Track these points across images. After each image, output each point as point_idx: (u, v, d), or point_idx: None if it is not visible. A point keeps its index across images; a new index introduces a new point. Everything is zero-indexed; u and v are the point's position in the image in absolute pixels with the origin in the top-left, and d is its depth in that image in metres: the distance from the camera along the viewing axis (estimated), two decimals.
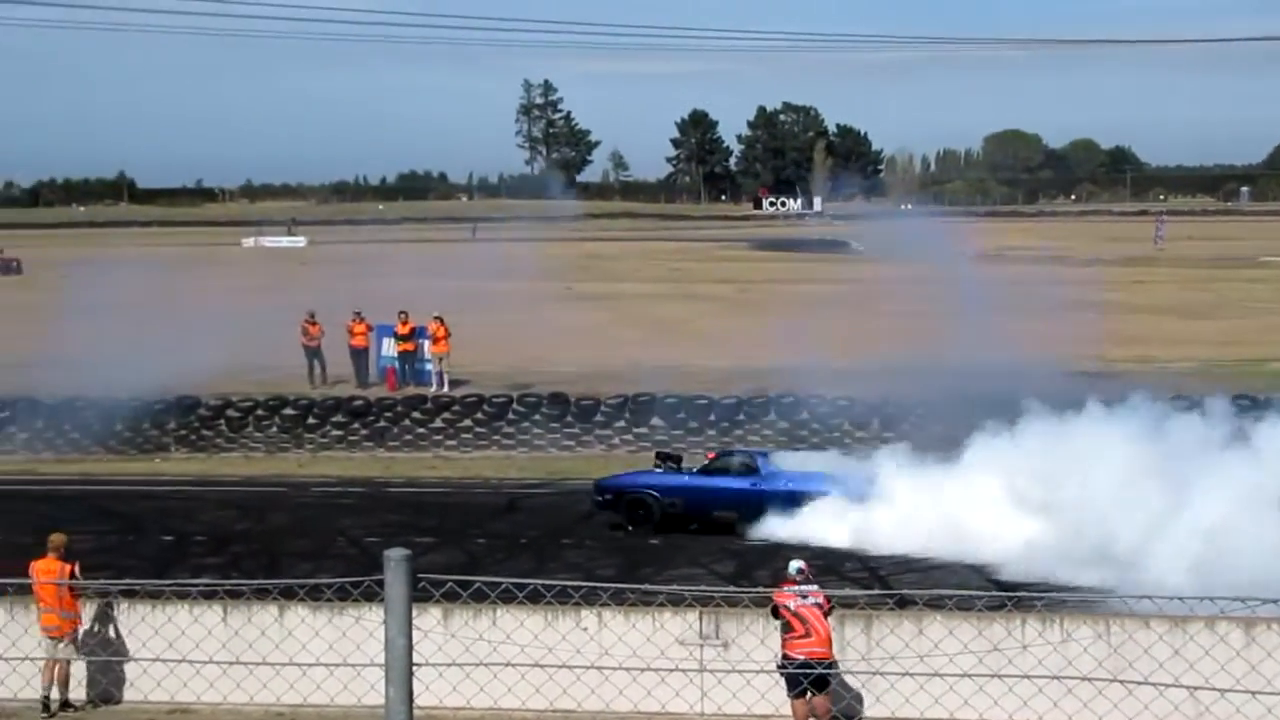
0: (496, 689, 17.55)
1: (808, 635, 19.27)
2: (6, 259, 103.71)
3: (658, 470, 35.23)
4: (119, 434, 44.53)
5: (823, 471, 34.12)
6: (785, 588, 19.78)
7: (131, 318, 60.46)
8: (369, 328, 47.92)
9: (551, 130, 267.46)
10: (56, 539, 21.83)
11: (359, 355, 47.90)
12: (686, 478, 34.66)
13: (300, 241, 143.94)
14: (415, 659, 8.19)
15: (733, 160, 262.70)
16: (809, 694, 19.30)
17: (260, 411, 45.03)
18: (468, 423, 44.65)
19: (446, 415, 44.89)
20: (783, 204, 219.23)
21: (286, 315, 49.56)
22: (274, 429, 44.90)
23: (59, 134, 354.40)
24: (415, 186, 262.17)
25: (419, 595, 8.34)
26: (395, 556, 8.24)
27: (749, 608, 20.92)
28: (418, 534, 32.89)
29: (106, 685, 21.25)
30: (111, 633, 21.53)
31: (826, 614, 19.52)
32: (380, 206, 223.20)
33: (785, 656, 19.31)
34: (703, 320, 65.88)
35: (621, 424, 43.78)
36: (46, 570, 21.02)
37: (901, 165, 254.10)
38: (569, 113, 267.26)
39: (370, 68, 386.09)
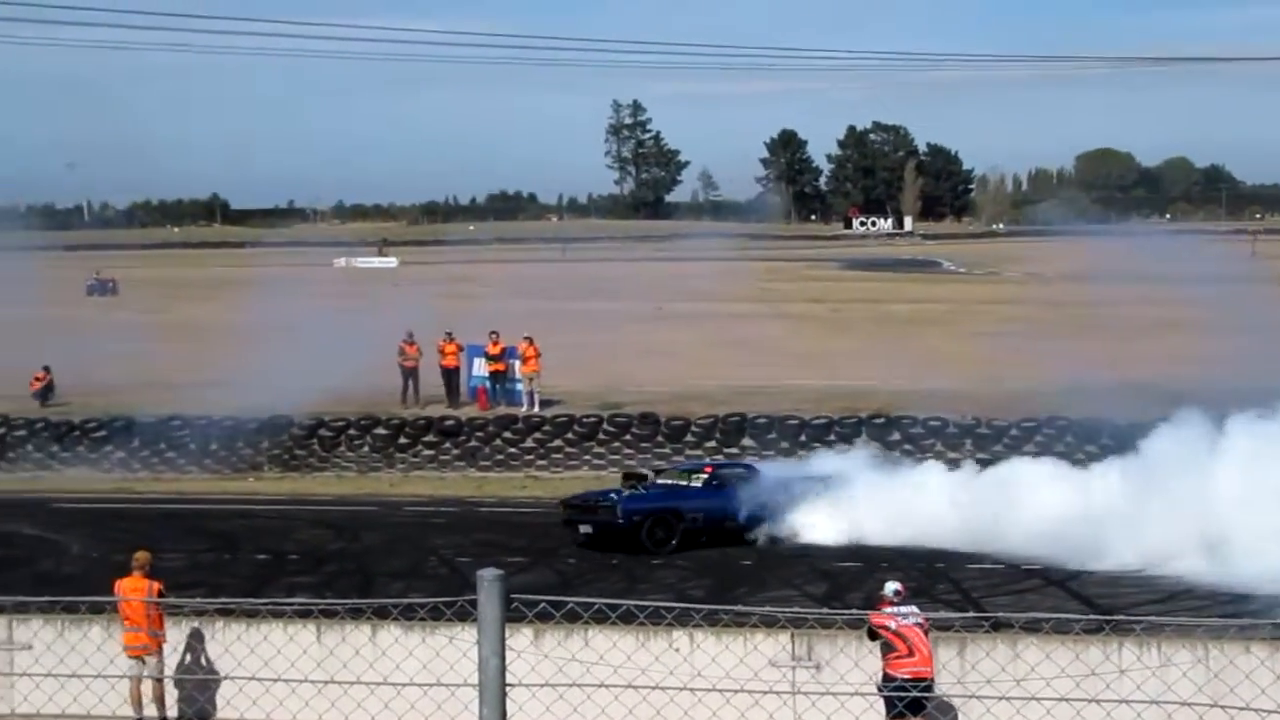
0: (590, 710, 17.49)
1: (911, 654, 19.14)
2: (103, 279, 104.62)
3: (629, 490, 35.46)
4: (214, 453, 44.83)
5: (811, 475, 35.88)
6: (883, 609, 19.65)
7: (226, 338, 60.94)
8: (460, 348, 48.04)
9: (641, 150, 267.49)
10: (141, 557, 21.91)
11: (450, 375, 48.02)
12: (703, 492, 35.00)
13: (391, 262, 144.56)
14: (508, 679, 8.17)
15: (822, 180, 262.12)
16: (906, 716, 19.15)
17: (352, 431, 45.25)
18: (559, 442, 44.71)
19: (537, 435, 44.97)
20: (873, 223, 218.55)
21: (377, 336, 49.77)
22: (366, 448, 45.10)
23: (154, 156, 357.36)
24: (505, 207, 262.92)
25: (512, 615, 8.32)
26: (488, 576, 8.23)
27: (842, 629, 20.78)
28: (509, 554, 32.92)
29: (203, 704, 21.33)
30: (207, 651, 21.62)
31: (926, 633, 19.39)
32: (471, 227, 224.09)
33: (887, 676, 19.17)
34: (794, 340, 65.69)
35: (712, 444, 43.68)
36: (133, 588, 21.13)
37: (993, 184, 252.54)
38: (658, 133, 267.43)
39: (460, 89, 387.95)
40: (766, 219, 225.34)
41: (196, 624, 21.76)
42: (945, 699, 19.88)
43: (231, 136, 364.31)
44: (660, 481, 36.07)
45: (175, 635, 21.40)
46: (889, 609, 19.57)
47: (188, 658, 21.57)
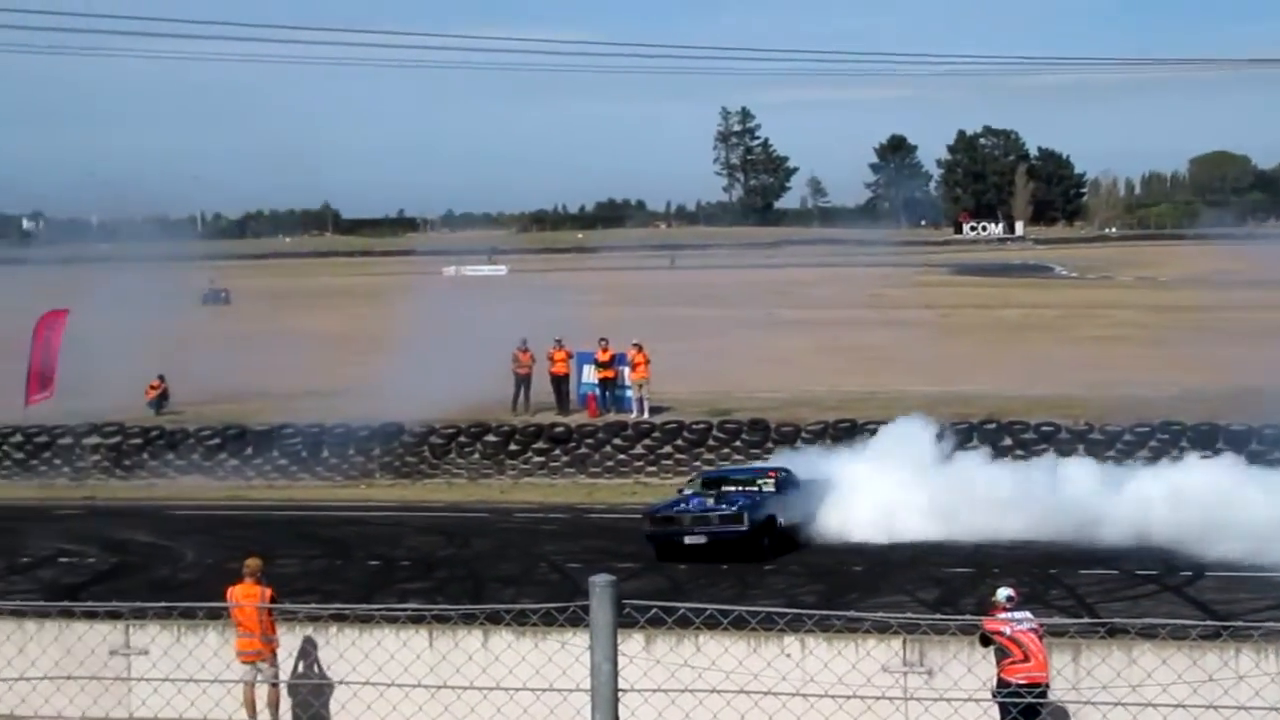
0: (701, 716, 17.46)
1: (1026, 660, 19.00)
2: (217, 289, 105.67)
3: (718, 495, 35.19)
4: (325, 461, 45.17)
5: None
6: (996, 614, 19.53)
7: (337, 347, 61.39)
8: (569, 355, 48.13)
9: (749, 157, 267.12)
10: (253, 564, 22.06)
11: (560, 382, 48.10)
12: (782, 497, 35.23)
13: (500, 270, 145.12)
14: (620, 685, 8.16)
15: (932, 185, 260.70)
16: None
17: (463, 438, 45.45)
18: (668, 449, 44.69)
19: (647, 442, 44.97)
20: (983, 228, 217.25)
21: (486, 344, 49.92)
22: (476, 455, 45.28)
23: (265, 166, 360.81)
24: (613, 215, 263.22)
25: (624, 621, 8.32)
26: (600, 582, 8.22)
27: (955, 635, 20.66)
28: (619, 560, 32.96)
29: (318, 708, 21.48)
30: (321, 657, 21.76)
31: (1040, 638, 19.26)
32: (579, 235, 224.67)
33: (1001, 682, 19.02)
34: (905, 346, 65.39)
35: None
36: (245, 595, 21.28)
37: (1105, 188, 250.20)
38: (766, 139, 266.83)
39: (568, 97, 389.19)
40: (876, 225, 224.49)
41: (310, 630, 21.91)
42: (1060, 704, 19.71)
43: (342, 146, 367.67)
44: (744, 489, 35.64)
45: (290, 641, 21.56)
46: (1002, 615, 19.45)
47: (302, 663, 21.72)
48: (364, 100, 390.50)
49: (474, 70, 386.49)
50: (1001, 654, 19.16)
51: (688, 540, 33.70)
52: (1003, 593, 20.17)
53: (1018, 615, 19.47)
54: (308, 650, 21.84)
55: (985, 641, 19.41)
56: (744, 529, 33.63)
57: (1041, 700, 19.02)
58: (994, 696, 18.92)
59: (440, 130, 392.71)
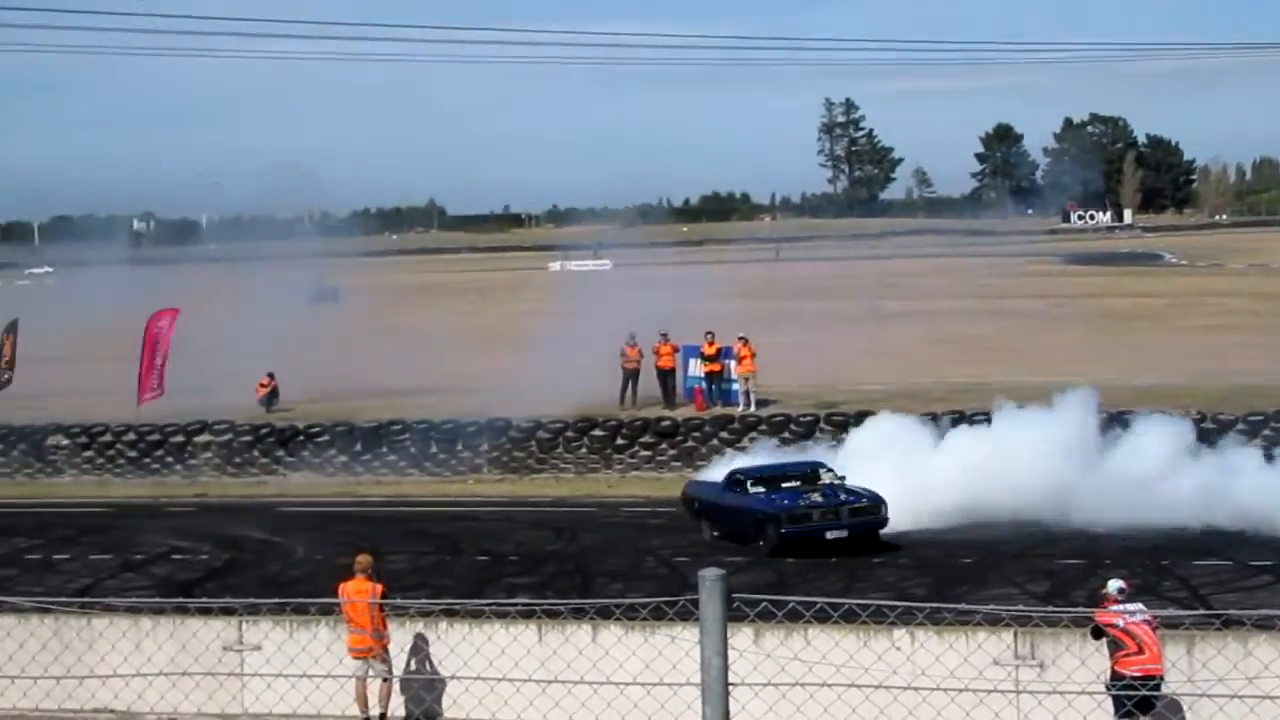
0: (813, 709, 17.42)
1: (1141, 652, 18.83)
2: (325, 287, 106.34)
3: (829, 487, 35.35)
4: (433, 456, 45.41)
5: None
6: (1108, 607, 19.37)
7: (445, 343, 61.72)
8: (675, 349, 48.12)
9: (854, 148, 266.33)
10: (364, 560, 22.15)
11: (666, 376, 48.10)
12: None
13: (605, 264, 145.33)
14: (731, 678, 8.16)
15: (1039, 174, 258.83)
16: (1136, 715, 18.85)
17: (570, 433, 45.56)
18: (775, 442, 44.57)
19: (753, 435, 44.89)
20: (1091, 217, 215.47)
21: (591, 338, 50.00)
22: (583, 450, 45.37)
23: (372, 164, 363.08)
24: (718, 208, 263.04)
25: (733, 615, 8.32)
26: (710, 576, 8.23)
27: (1067, 628, 20.49)
28: (726, 554, 32.93)
29: (430, 703, 21.59)
30: (432, 652, 21.86)
31: (1154, 630, 19.10)
32: (684, 228, 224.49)
33: (1115, 674, 18.87)
34: (1012, 336, 65.00)
35: None
36: (357, 591, 21.36)
37: (1215, 175, 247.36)
38: (871, 130, 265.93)
39: (672, 90, 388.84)
40: (982, 215, 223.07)
41: (421, 625, 22.02)
42: (1174, 697, 19.53)
43: (447, 142, 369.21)
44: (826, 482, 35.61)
45: (401, 636, 21.68)
46: (1115, 607, 19.30)
47: (413, 659, 21.84)
48: (469, 97, 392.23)
49: (578, 65, 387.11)
50: (1115, 646, 19.00)
51: (830, 535, 33.76)
52: (1113, 585, 20.01)
53: (1130, 607, 19.31)
54: (419, 646, 21.95)
55: (1097, 634, 19.25)
56: (884, 519, 34.09)
57: (1156, 693, 18.85)
58: (1108, 690, 18.76)
59: (545, 125, 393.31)
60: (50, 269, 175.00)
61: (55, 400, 51.84)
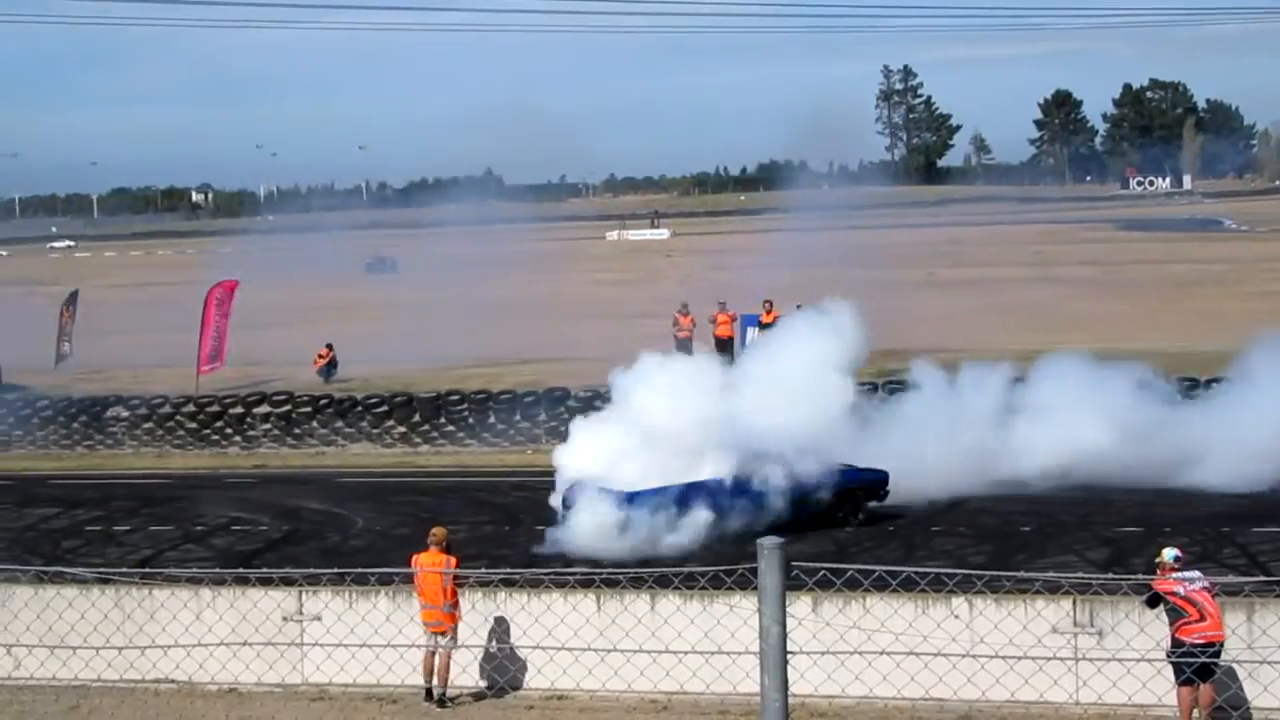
0: (871, 677, 17.46)
1: (1203, 619, 18.77)
2: (383, 257, 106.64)
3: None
4: (491, 427, 45.48)
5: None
6: (1166, 574, 19.31)
7: (503, 313, 61.76)
8: (733, 318, 48.07)
9: (912, 116, 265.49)
10: (438, 532, 22.12)
11: (724, 345, 48.08)
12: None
13: (663, 234, 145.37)
14: (789, 647, 8.15)
15: (1098, 140, 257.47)
16: (1196, 682, 18.80)
17: None
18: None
19: None
20: (1150, 183, 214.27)
21: (652, 307, 50.02)
22: None
23: (429, 134, 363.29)
24: (776, 176, 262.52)
25: (792, 583, 8.30)
26: (769, 544, 8.21)
27: (1126, 595, 20.41)
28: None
29: (490, 671, 21.66)
30: (492, 621, 21.91)
31: (1214, 597, 19.04)
32: (741, 197, 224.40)
33: (1176, 642, 18.80)
34: (1070, 303, 64.69)
35: None
36: (430, 563, 21.36)
37: (1276, 140, 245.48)
38: (929, 97, 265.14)
39: (729, 59, 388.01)
40: (1041, 181, 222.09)
41: (480, 595, 22.07)
42: (1234, 664, 19.44)
43: (504, 112, 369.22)
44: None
45: (461, 605, 21.74)
46: (1172, 575, 19.22)
47: (472, 629, 21.87)
48: (526, 67, 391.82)
49: (633, 34, 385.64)
50: (1176, 614, 18.92)
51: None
52: (1169, 553, 19.94)
53: (1189, 575, 19.23)
54: (478, 615, 21.99)
55: (1153, 603, 19.16)
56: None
57: (1216, 660, 18.79)
58: (1168, 657, 18.69)
59: (601, 95, 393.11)
60: (71, 243, 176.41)
61: (115, 372, 52.17)
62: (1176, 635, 18.85)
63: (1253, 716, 19.20)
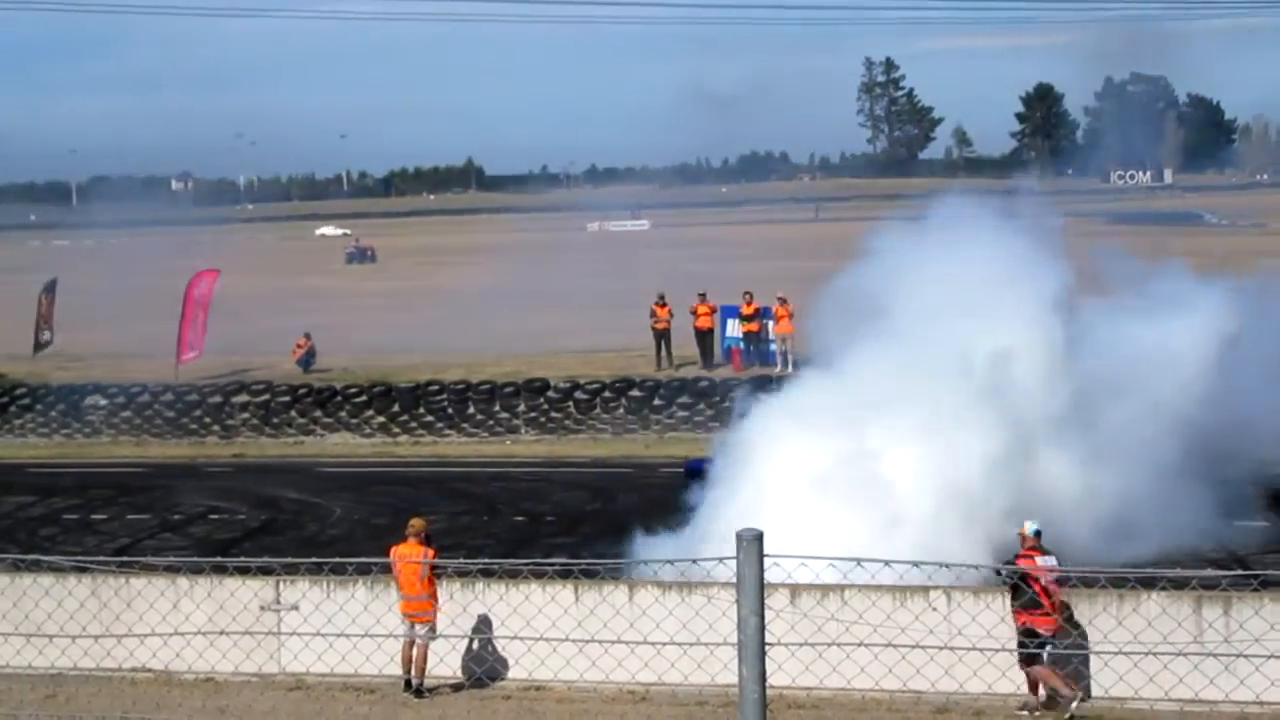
0: (849, 669, 17.42)
1: (1050, 609, 19.17)
2: (362, 247, 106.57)
3: None
4: (470, 417, 45.42)
5: None
6: (1036, 559, 19.58)
7: (481, 304, 61.69)
8: (713, 309, 48.03)
9: (893, 108, 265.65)
10: (417, 524, 22.05)
11: (704, 337, 48.03)
12: None
13: (643, 225, 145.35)
14: (767, 638, 8.12)
15: (1079, 133, 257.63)
16: (1035, 663, 19.22)
17: (607, 394, 45.48)
18: None
19: None
20: (1131, 177, 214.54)
21: (631, 298, 49.95)
22: (621, 410, 45.30)
23: (410, 124, 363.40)
24: (757, 167, 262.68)
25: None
26: (747, 536, 8.17)
27: (1104, 588, 20.40)
28: None
29: (468, 662, 21.62)
30: (470, 612, 21.85)
31: (1062, 584, 19.33)
32: (723, 189, 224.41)
33: (1025, 627, 19.18)
34: None
35: None
36: (409, 555, 21.30)
37: (1257, 134, 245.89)
38: (911, 90, 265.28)
39: (708, 51, 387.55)
40: (1022, 175, 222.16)
41: (458, 585, 22.02)
42: (1214, 657, 19.44)
43: (485, 103, 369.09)
44: None
45: (438, 596, 21.69)
46: (1040, 559, 19.48)
47: (450, 619, 21.82)
48: (507, 57, 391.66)
49: (616, 26, 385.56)
50: (1033, 602, 19.20)
51: None
52: (1030, 526, 20.15)
53: (1048, 561, 19.58)
54: (456, 605, 21.94)
55: (1018, 584, 19.33)
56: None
57: (1051, 642, 19.13)
58: (1019, 642, 19.01)
59: (583, 86, 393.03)
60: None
61: (94, 360, 52.04)
62: (1024, 620, 19.18)
63: (1229, 711, 19.19)
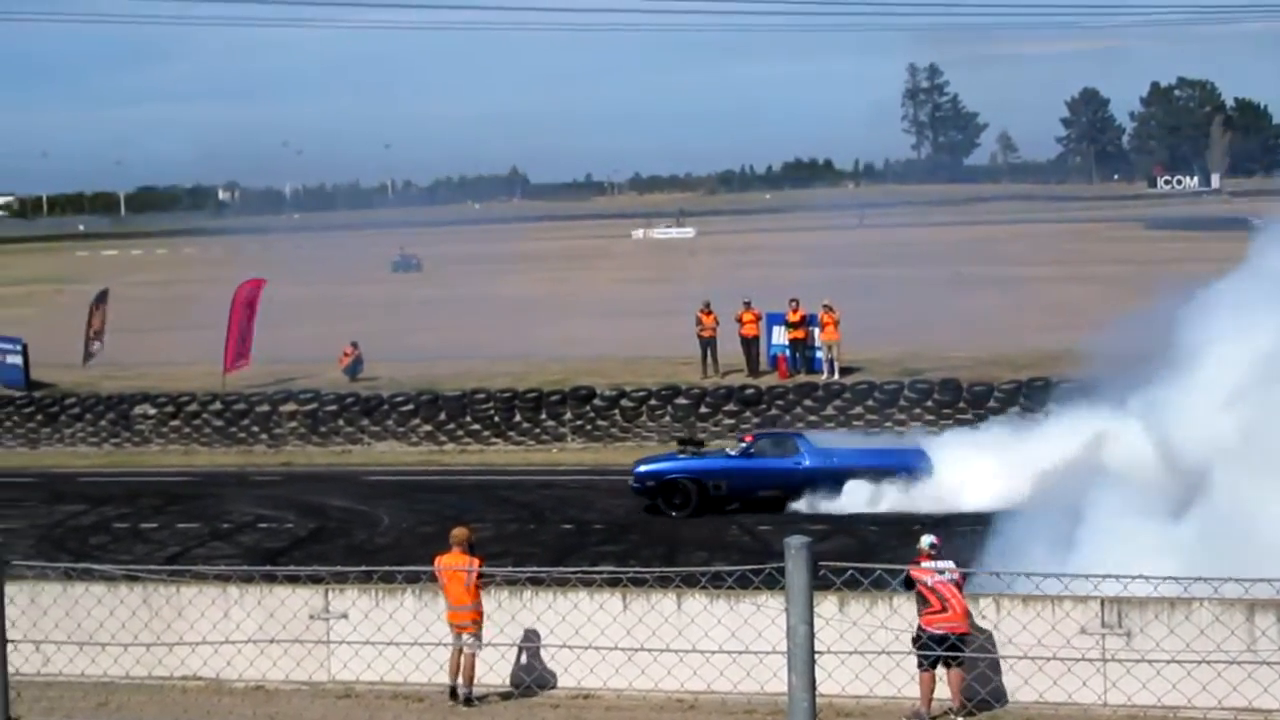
0: (899, 678, 17.42)
1: (944, 610, 19.20)
2: (408, 256, 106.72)
3: (681, 455, 36.65)
4: (517, 425, 45.50)
5: (873, 448, 36.48)
6: (921, 562, 19.65)
7: (528, 311, 61.79)
8: (759, 316, 48.01)
9: (938, 114, 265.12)
10: (460, 533, 22.01)
11: (749, 344, 48.00)
12: (730, 461, 35.87)
13: (688, 232, 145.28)
14: (816, 646, 8.11)
15: (1125, 138, 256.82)
16: (939, 667, 19.18)
17: (653, 401, 45.51)
18: (859, 410, 44.45)
19: (837, 403, 44.76)
20: (1178, 182, 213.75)
21: (677, 305, 49.99)
22: (667, 418, 45.33)
23: (455, 133, 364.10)
24: (801, 174, 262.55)
25: (819, 583, 8.26)
26: (796, 544, 8.16)
27: (1155, 596, 20.28)
28: (810, 522, 32.86)
29: (516, 670, 21.62)
30: (518, 620, 21.86)
31: (960, 589, 19.33)
32: (767, 195, 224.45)
33: (921, 629, 19.18)
34: (1099, 302, 64.43)
35: (1016, 409, 43.00)
36: (453, 564, 21.29)
37: None
38: (955, 95, 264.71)
39: (755, 57, 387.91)
40: (1068, 180, 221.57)
41: (506, 593, 22.02)
42: (1268, 665, 19.32)
43: (529, 111, 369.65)
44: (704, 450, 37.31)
45: (487, 604, 21.70)
46: (927, 563, 19.58)
47: (498, 627, 21.82)
48: (552, 65, 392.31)
49: (661, 33, 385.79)
50: (921, 602, 19.34)
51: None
52: (926, 540, 20.33)
53: (940, 565, 19.65)
54: (504, 614, 21.94)
55: (908, 585, 19.61)
56: (633, 485, 36.57)
57: (958, 650, 19.07)
58: (914, 644, 19.05)
59: (628, 94, 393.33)
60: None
61: (143, 369, 52.30)
62: (920, 623, 19.23)
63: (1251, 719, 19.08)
